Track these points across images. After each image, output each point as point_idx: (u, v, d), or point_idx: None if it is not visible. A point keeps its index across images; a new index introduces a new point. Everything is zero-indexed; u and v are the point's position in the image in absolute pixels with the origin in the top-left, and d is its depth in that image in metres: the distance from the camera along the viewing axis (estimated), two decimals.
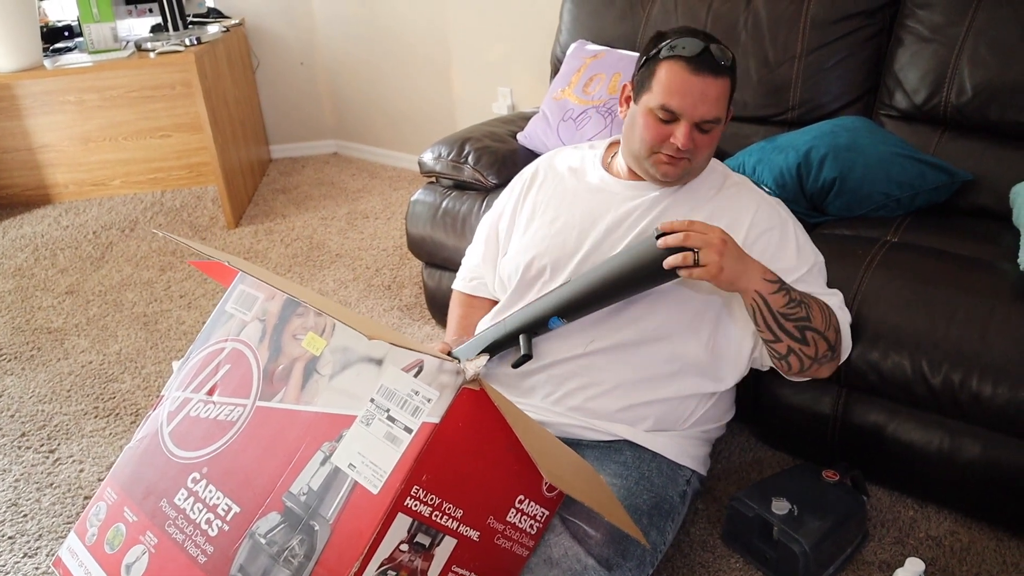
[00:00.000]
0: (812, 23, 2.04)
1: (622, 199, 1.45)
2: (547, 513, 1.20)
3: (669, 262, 1.18)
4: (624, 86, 1.45)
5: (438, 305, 2.35)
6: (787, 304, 1.25)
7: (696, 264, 1.17)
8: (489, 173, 2.16)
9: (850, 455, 1.62)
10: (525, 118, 2.43)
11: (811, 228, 1.83)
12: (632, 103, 1.41)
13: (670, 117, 1.33)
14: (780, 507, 1.42)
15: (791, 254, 1.39)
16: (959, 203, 1.84)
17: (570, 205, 1.49)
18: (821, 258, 1.45)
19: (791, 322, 1.26)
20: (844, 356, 1.44)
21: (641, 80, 1.38)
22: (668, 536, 1.36)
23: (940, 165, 1.81)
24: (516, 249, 1.53)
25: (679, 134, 1.32)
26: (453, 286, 1.74)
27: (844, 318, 1.40)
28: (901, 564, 1.32)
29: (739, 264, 1.20)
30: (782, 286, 1.25)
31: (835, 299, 1.41)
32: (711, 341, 1.41)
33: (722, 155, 2.12)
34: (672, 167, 1.37)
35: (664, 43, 1.34)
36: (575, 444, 1.41)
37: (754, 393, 1.71)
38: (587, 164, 1.55)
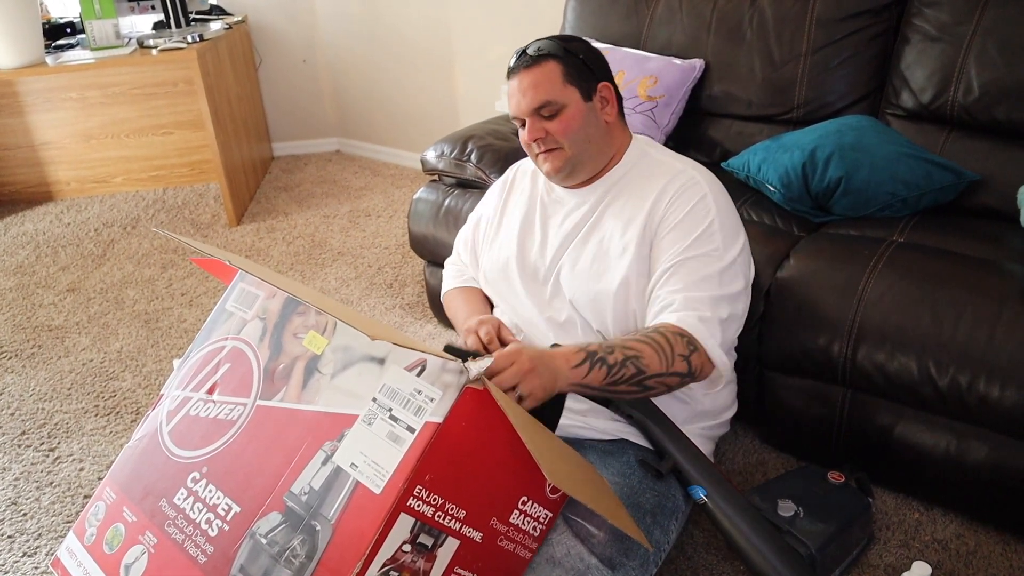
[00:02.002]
0: (818, 21, 2.03)
1: (567, 210, 1.47)
2: (550, 515, 1.19)
3: None
4: None
5: (440, 303, 2.33)
6: (608, 375, 1.18)
7: (521, 399, 1.10)
8: (492, 171, 2.15)
9: (855, 457, 1.61)
10: None
11: (816, 228, 1.83)
12: None
13: (520, 123, 1.41)
14: (786, 509, 1.41)
15: (687, 239, 1.33)
16: (966, 203, 1.83)
17: (529, 225, 1.53)
18: (733, 251, 1.34)
19: (623, 384, 1.20)
20: (720, 364, 1.30)
21: None
22: (671, 536, 1.35)
23: (947, 165, 1.80)
24: (496, 249, 1.56)
25: (526, 130, 1.39)
26: (444, 289, 1.73)
27: (701, 329, 1.27)
28: (907, 567, 1.31)
29: (549, 373, 1.13)
30: (589, 360, 1.17)
31: (703, 293, 1.30)
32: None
33: (727, 154, 2.12)
34: (550, 162, 1.41)
35: None
36: (578, 444, 1.40)
37: (758, 395, 1.70)
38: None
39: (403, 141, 3.95)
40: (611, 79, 1.44)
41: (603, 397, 1.29)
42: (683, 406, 1.43)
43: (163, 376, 2.22)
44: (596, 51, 1.43)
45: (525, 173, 1.60)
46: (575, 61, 1.38)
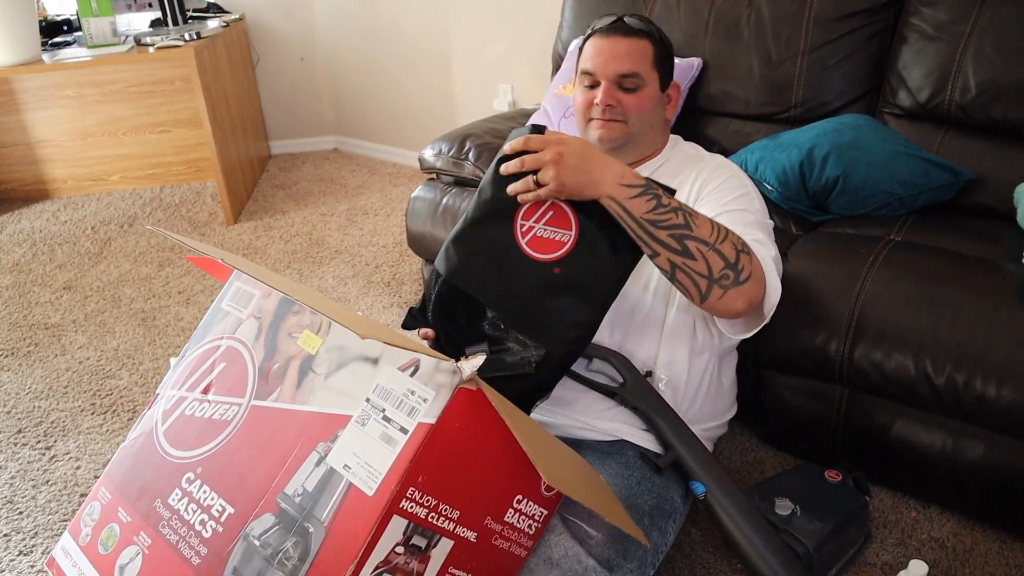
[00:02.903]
0: (815, 20, 2.02)
1: None
2: (546, 513, 1.19)
3: (511, 189, 1.20)
4: (574, 82, 1.52)
5: None
6: (654, 209, 1.15)
7: (538, 185, 1.17)
8: None
9: (853, 456, 1.61)
10: (526, 115, 2.42)
11: (813, 227, 1.83)
12: None
13: (592, 82, 1.42)
14: (783, 507, 1.41)
15: (728, 195, 1.37)
16: (963, 202, 1.83)
17: None
18: (768, 221, 1.40)
19: (663, 229, 1.16)
20: (767, 292, 1.25)
21: (576, 68, 1.48)
22: (669, 537, 1.35)
23: (944, 164, 1.80)
24: None
25: (599, 92, 1.40)
26: None
27: (765, 252, 1.27)
28: (904, 566, 1.31)
29: (582, 174, 1.15)
30: (646, 191, 1.16)
31: (756, 233, 1.31)
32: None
33: (724, 153, 2.11)
34: (606, 130, 1.41)
35: (589, 29, 1.46)
36: (576, 445, 1.40)
37: (756, 394, 1.70)
38: None
39: (401, 139, 3.94)
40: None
41: (634, 233, 1.19)
42: (685, 404, 1.43)
43: (160, 374, 2.22)
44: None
45: None
46: (664, 51, 1.44)
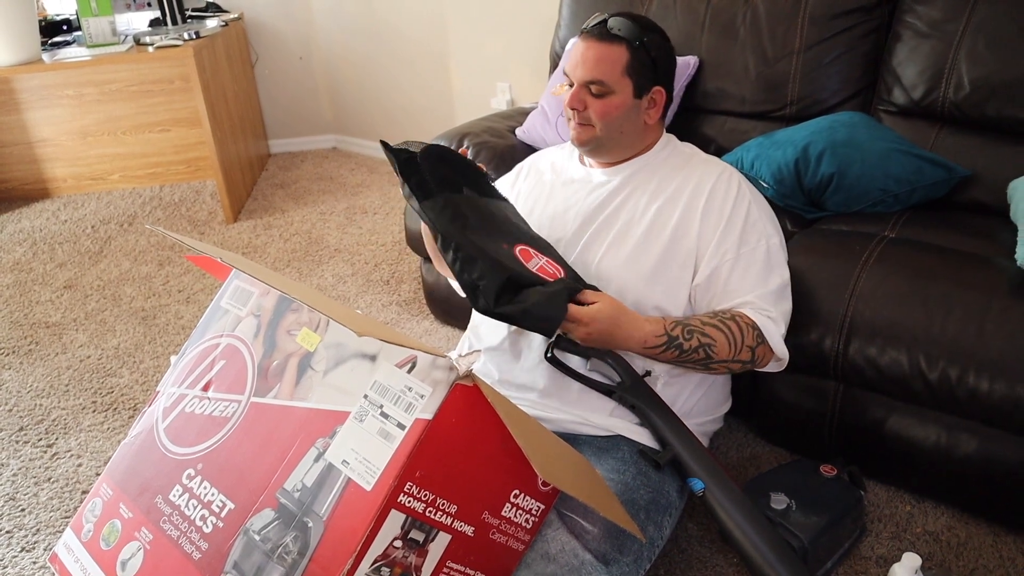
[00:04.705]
0: (810, 18, 2.03)
1: (593, 185, 1.51)
2: (543, 507, 1.20)
3: None
4: None
5: (437, 300, 2.35)
6: (678, 356, 1.33)
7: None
8: (488, 168, 2.15)
9: (847, 450, 1.62)
10: (524, 113, 2.43)
11: (808, 224, 1.83)
12: None
13: (569, 83, 1.44)
14: (778, 502, 1.42)
15: (735, 234, 1.41)
16: (957, 199, 1.84)
17: (545, 200, 1.56)
18: (775, 239, 1.45)
19: (689, 363, 1.36)
20: (776, 354, 1.42)
21: None
22: (665, 531, 1.36)
23: (938, 161, 1.81)
24: None
25: (568, 94, 1.43)
26: None
27: (770, 325, 1.38)
28: (898, 559, 1.32)
29: (615, 341, 1.32)
30: (669, 346, 1.32)
31: (764, 289, 1.40)
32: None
33: (720, 151, 2.12)
34: (578, 132, 1.45)
35: None
36: (573, 440, 1.41)
37: (752, 389, 1.71)
38: (567, 159, 1.61)
39: (400, 138, 3.92)
40: (670, 84, 1.47)
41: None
42: (680, 401, 1.45)
43: (160, 372, 2.23)
44: (669, 51, 1.47)
45: (535, 167, 1.66)
46: (644, 57, 1.41)
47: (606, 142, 1.46)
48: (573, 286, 1.30)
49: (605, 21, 1.41)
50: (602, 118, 1.42)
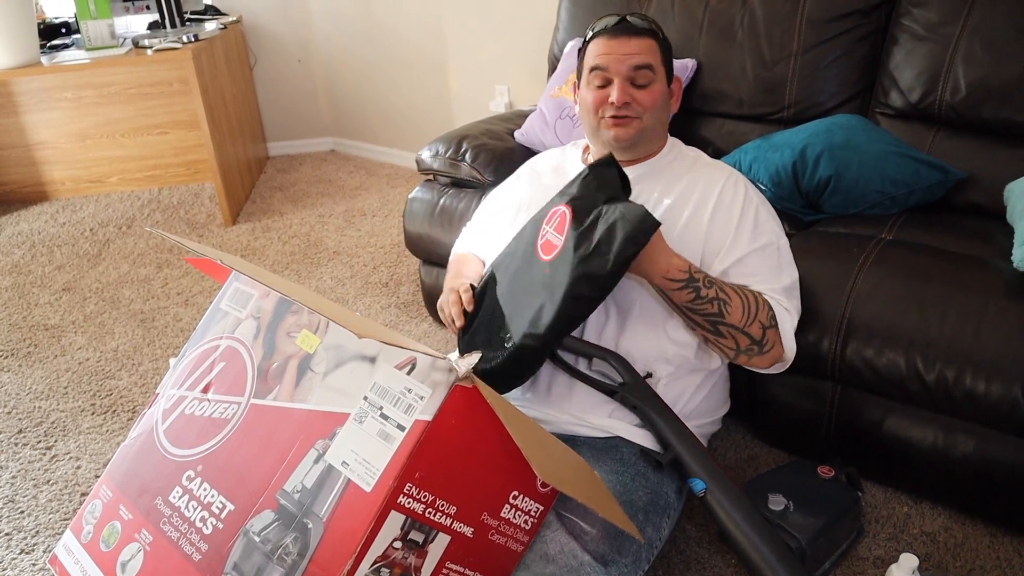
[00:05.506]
0: (808, 21, 2.04)
1: None
2: (542, 508, 1.20)
3: None
4: (574, 83, 1.55)
5: (435, 302, 2.34)
6: (693, 300, 1.31)
7: None
8: (486, 171, 2.16)
9: (845, 451, 1.63)
10: (522, 116, 2.43)
11: (806, 226, 1.84)
12: (577, 90, 1.52)
13: (604, 80, 1.43)
14: (776, 503, 1.42)
15: (746, 233, 1.42)
16: (953, 201, 1.85)
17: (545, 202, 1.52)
18: (784, 239, 1.47)
19: (699, 315, 1.33)
20: (784, 351, 1.41)
21: (579, 67, 1.50)
22: (664, 532, 1.37)
23: (935, 163, 1.81)
24: (500, 242, 1.56)
25: (614, 90, 1.41)
26: (455, 249, 1.75)
27: (784, 314, 1.39)
28: (895, 559, 1.33)
29: (639, 264, 1.29)
30: (687, 285, 1.31)
31: (778, 284, 1.41)
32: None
33: (719, 153, 2.13)
34: (622, 128, 1.43)
35: (589, 30, 1.48)
36: (571, 442, 1.41)
37: (749, 390, 1.71)
38: (568, 160, 1.61)
39: (398, 140, 3.96)
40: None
41: (675, 309, 1.37)
42: (681, 403, 1.46)
43: (159, 375, 2.23)
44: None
45: (534, 170, 1.66)
46: (668, 48, 1.46)
47: (649, 132, 1.46)
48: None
49: (625, 19, 1.43)
50: (651, 107, 1.42)
